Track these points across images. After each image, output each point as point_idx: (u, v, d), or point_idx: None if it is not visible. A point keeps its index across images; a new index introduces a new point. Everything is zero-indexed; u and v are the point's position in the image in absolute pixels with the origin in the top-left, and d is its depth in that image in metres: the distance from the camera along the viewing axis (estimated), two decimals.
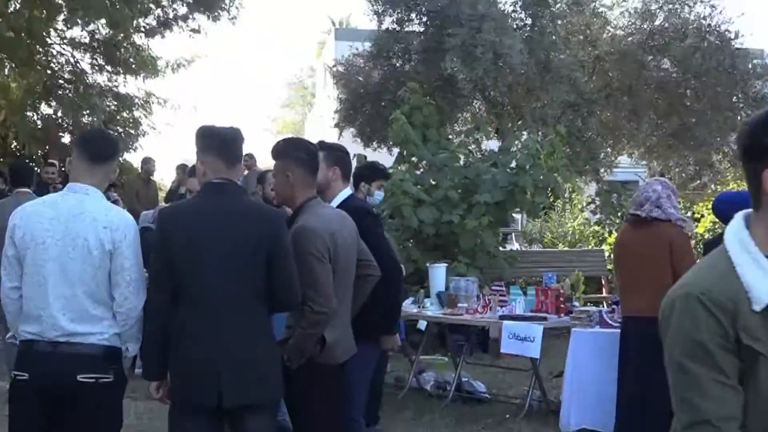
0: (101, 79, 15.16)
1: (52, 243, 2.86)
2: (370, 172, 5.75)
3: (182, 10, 14.02)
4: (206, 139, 3.13)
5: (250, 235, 2.99)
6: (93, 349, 2.86)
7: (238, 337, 2.94)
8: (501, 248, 9.93)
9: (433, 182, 8.80)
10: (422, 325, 6.92)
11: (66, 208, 2.92)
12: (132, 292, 2.94)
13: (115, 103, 14.95)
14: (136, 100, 15.54)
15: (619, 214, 13.25)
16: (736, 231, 1.37)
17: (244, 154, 3.63)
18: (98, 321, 2.89)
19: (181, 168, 11.38)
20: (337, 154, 4.01)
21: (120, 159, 15.04)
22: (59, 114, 15.37)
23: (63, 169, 11.47)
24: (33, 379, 2.86)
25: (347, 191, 4.01)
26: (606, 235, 13.81)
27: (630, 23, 15.86)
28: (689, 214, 14.29)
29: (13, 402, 2.97)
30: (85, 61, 15.04)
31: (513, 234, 14.21)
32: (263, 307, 3.02)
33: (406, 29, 14.88)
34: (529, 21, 15.31)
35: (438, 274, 6.69)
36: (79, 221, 2.88)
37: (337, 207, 3.77)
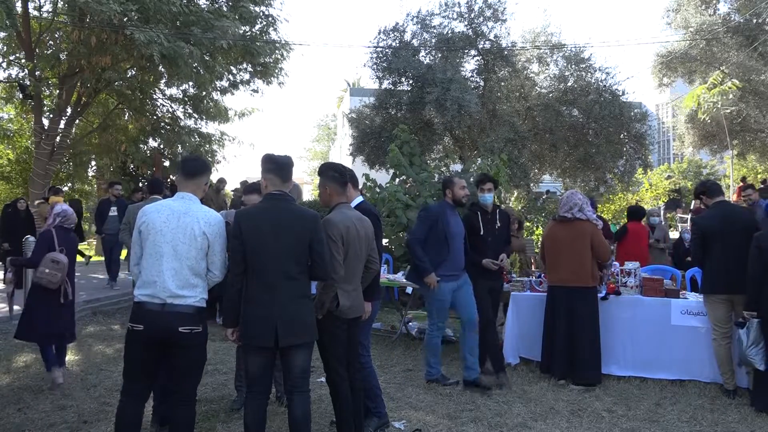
0: (190, 122, 15.14)
1: (167, 231, 2.90)
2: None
3: (246, 76, 14.00)
4: (268, 164, 3.15)
5: (297, 229, 3.01)
6: (190, 309, 2.89)
7: (288, 299, 2.96)
8: None
9: (417, 193, 8.79)
10: (409, 290, 6.90)
11: (177, 208, 2.96)
12: (219, 267, 3.03)
13: (199, 139, 14.88)
14: (213, 138, 15.50)
15: (543, 214, 13.23)
16: None
17: None
18: (194, 287, 2.92)
19: (243, 184, 11.36)
20: (349, 174, 3.99)
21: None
22: (161, 146, 15.38)
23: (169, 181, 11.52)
24: (146, 329, 2.86)
25: (360, 197, 3.99)
26: (534, 228, 13.78)
27: (551, 84, 15.89)
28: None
29: (129, 344, 2.95)
30: (178, 110, 15.04)
31: None
32: (305, 278, 3.06)
33: (398, 88, 14.88)
34: (482, 83, 15.34)
35: None
36: (187, 217, 2.93)
37: (354, 207, 3.77)
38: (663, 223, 7.91)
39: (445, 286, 4.70)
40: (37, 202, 9.95)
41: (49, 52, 12.00)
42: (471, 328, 4.80)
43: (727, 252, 4.53)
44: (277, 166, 3.13)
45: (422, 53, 15.04)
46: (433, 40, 14.80)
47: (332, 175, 3.47)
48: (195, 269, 2.92)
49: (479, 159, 12.55)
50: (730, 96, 15.99)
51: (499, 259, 4.99)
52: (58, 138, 12.42)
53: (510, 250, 5.26)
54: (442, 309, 4.83)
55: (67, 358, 5.75)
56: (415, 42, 14.88)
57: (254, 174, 16.47)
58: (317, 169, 3.63)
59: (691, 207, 13.32)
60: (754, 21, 16.22)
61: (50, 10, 12.05)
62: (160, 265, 2.87)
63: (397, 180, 9.12)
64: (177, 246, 2.89)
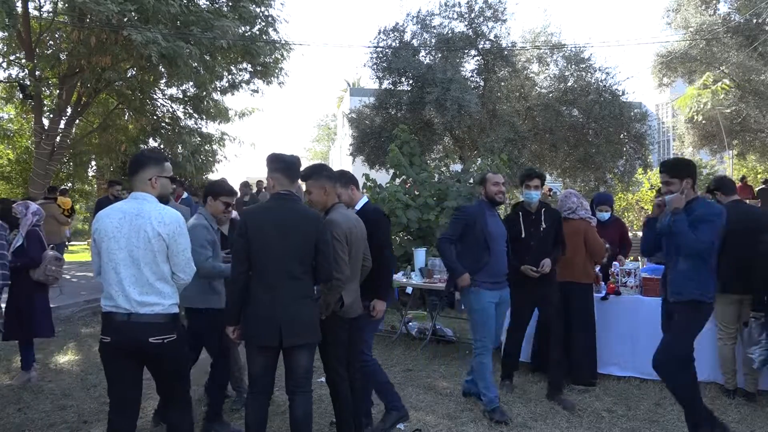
0: (190, 122, 15.12)
1: (121, 236, 2.69)
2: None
3: (246, 76, 14.01)
4: (276, 163, 3.12)
5: (303, 230, 3.00)
6: (158, 318, 2.69)
7: (291, 300, 2.95)
8: None
9: (417, 193, 8.80)
10: (409, 289, 6.91)
11: (129, 210, 2.74)
12: (185, 267, 2.81)
13: (199, 139, 14.86)
14: (214, 138, 15.47)
15: None
16: None
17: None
18: (160, 293, 2.71)
19: (244, 184, 11.33)
20: (349, 176, 3.90)
21: (203, 178, 15.12)
22: (162, 146, 15.36)
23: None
24: (114, 341, 2.69)
25: (365, 199, 3.91)
26: None
27: (551, 84, 15.90)
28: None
29: (103, 357, 2.77)
30: (179, 110, 15.03)
31: None
32: (309, 278, 3.04)
33: (398, 88, 14.90)
34: (482, 83, 15.36)
35: (420, 255, 6.67)
36: (140, 219, 2.70)
37: (359, 210, 3.75)
38: None
39: (485, 293, 4.14)
40: (39, 201, 9.94)
41: (49, 52, 12.01)
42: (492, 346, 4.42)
43: (744, 252, 4.44)
44: (286, 166, 3.12)
45: (422, 53, 15.05)
46: (433, 40, 14.81)
47: (328, 174, 3.44)
48: (158, 273, 2.71)
49: (479, 159, 12.56)
50: (722, 96, 16.00)
51: (539, 264, 4.39)
52: (58, 138, 12.42)
53: (559, 254, 4.62)
54: (486, 319, 4.16)
55: (67, 358, 5.77)
56: (415, 42, 14.89)
57: (254, 173, 16.47)
58: (307, 172, 3.44)
59: None
60: (754, 21, 16.21)
61: (50, 10, 12.06)
62: (118, 274, 2.67)
63: (397, 180, 9.13)
64: (133, 251, 2.68)
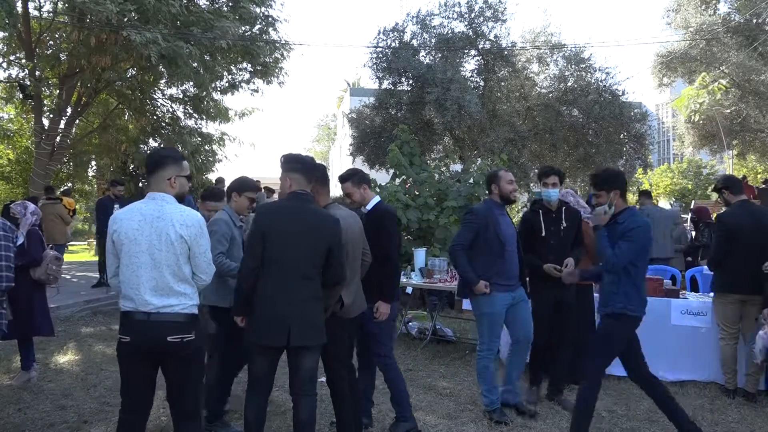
0: (190, 122, 15.09)
1: (142, 239, 2.63)
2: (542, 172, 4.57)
3: (246, 76, 13.98)
4: (295, 164, 3.11)
5: (317, 231, 2.98)
6: (178, 317, 2.65)
7: (302, 300, 2.93)
8: None
9: (417, 193, 8.80)
10: (409, 289, 6.90)
11: (149, 212, 2.67)
12: (204, 270, 2.77)
13: (200, 139, 14.83)
14: (214, 138, 15.44)
15: None
16: None
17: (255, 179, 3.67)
18: (180, 295, 2.66)
19: None
20: (361, 175, 3.85)
21: (203, 177, 15.11)
22: (162, 146, 15.34)
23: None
24: (134, 341, 2.65)
25: (377, 198, 3.84)
26: None
27: (551, 84, 15.91)
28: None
29: (120, 357, 2.72)
30: (179, 110, 15.02)
31: None
32: (319, 279, 3.01)
33: (398, 88, 14.90)
34: (482, 83, 15.36)
35: (420, 255, 6.67)
36: (161, 222, 2.65)
37: (371, 209, 3.73)
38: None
39: (498, 296, 4.02)
40: (42, 202, 9.94)
41: (49, 52, 12.00)
42: (524, 348, 4.25)
43: (751, 252, 4.44)
44: (305, 167, 3.11)
45: (422, 53, 15.05)
46: (433, 40, 14.81)
47: (319, 175, 3.36)
48: (178, 275, 2.67)
49: (479, 159, 12.55)
50: (719, 96, 16.01)
51: (563, 264, 4.23)
52: (58, 138, 12.41)
53: (582, 253, 4.49)
54: (495, 323, 4.08)
55: (67, 358, 5.77)
56: (415, 42, 14.89)
57: (254, 174, 16.49)
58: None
59: (692, 206, 13.29)
60: (754, 21, 16.21)
61: (50, 10, 12.06)
62: (138, 277, 2.62)
63: (397, 180, 9.13)
64: (154, 254, 2.62)
